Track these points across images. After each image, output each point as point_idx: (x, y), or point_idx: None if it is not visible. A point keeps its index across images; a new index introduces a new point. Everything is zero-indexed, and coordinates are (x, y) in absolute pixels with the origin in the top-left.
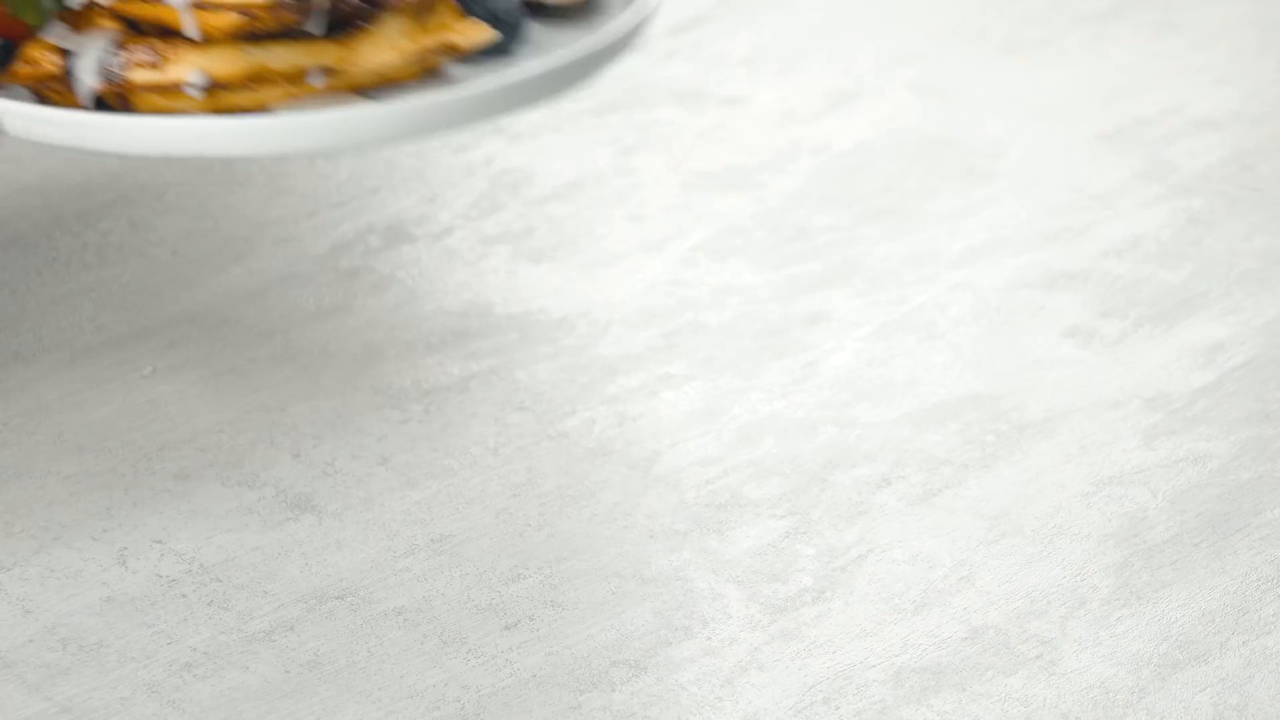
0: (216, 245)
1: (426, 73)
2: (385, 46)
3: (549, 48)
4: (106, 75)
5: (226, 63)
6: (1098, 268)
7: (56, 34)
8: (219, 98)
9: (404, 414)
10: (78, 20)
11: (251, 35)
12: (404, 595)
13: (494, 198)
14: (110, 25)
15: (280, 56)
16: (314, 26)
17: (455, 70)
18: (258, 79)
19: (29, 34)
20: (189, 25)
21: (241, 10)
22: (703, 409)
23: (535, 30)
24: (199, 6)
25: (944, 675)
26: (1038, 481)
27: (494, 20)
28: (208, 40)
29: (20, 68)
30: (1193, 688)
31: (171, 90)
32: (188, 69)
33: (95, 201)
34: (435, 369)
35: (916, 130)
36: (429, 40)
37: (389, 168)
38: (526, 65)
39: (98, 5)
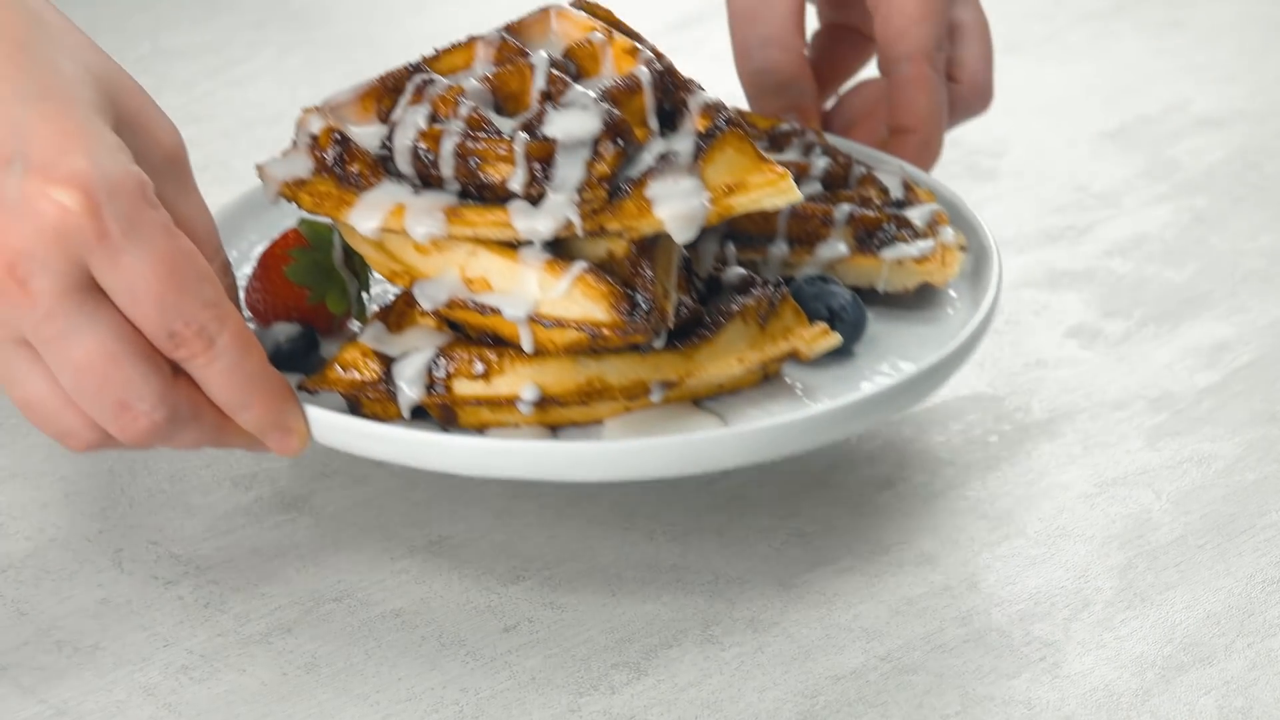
0: None
1: (765, 376)
2: (728, 357)
3: (887, 343)
4: (429, 385)
5: (561, 377)
6: (1101, 267)
7: (374, 336)
8: (549, 412)
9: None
10: (395, 318)
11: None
12: (402, 597)
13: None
14: (429, 324)
15: (619, 370)
16: (657, 341)
17: (792, 368)
18: (593, 394)
19: (329, 319)
20: (525, 340)
21: (585, 327)
22: None
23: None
24: (536, 321)
25: (946, 677)
26: (1041, 483)
27: (832, 316)
28: (541, 351)
29: (334, 373)
30: (1197, 690)
31: (500, 404)
32: (520, 383)
33: None
34: None
35: None
36: (772, 349)
37: None
38: (877, 378)
39: (417, 305)
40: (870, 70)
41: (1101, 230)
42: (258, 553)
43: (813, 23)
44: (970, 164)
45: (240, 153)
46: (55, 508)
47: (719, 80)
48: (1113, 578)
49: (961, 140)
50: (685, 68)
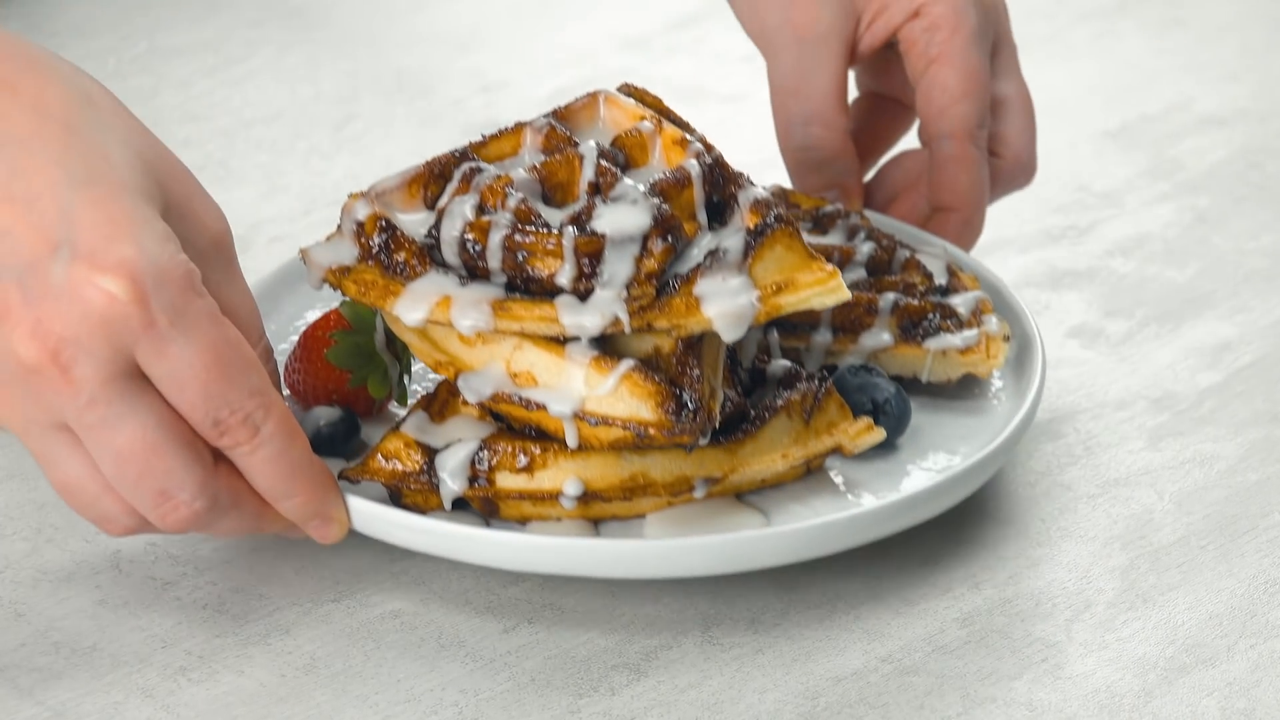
0: None
1: (808, 470)
2: (772, 453)
3: (930, 436)
4: (472, 478)
5: (605, 472)
6: (1104, 266)
7: (417, 426)
8: (592, 506)
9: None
10: (437, 407)
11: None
12: (401, 598)
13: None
14: (472, 414)
15: (663, 466)
16: (702, 439)
17: (834, 459)
18: (637, 489)
19: (370, 401)
20: (570, 436)
21: (631, 426)
22: None
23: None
24: (582, 418)
25: (947, 679)
26: (1043, 483)
27: (876, 410)
28: (585, 447)
29: (376, 463)
30: (1200, 692)
31: (542, 498)
32: (563, 477)
33: None
34: None
35: None
36: (816, 444)
37: (385, 165)
38: (920, 474)
39: (460, 394)
40: (910, 138)
41: (1103, 230)
42: (256, 553)
43: (851, 90)
44: None
45: (238, 153)
46: (52, 508)
47: (722, 79)
48: (1115, 578)
49: None
50: (687, 66)
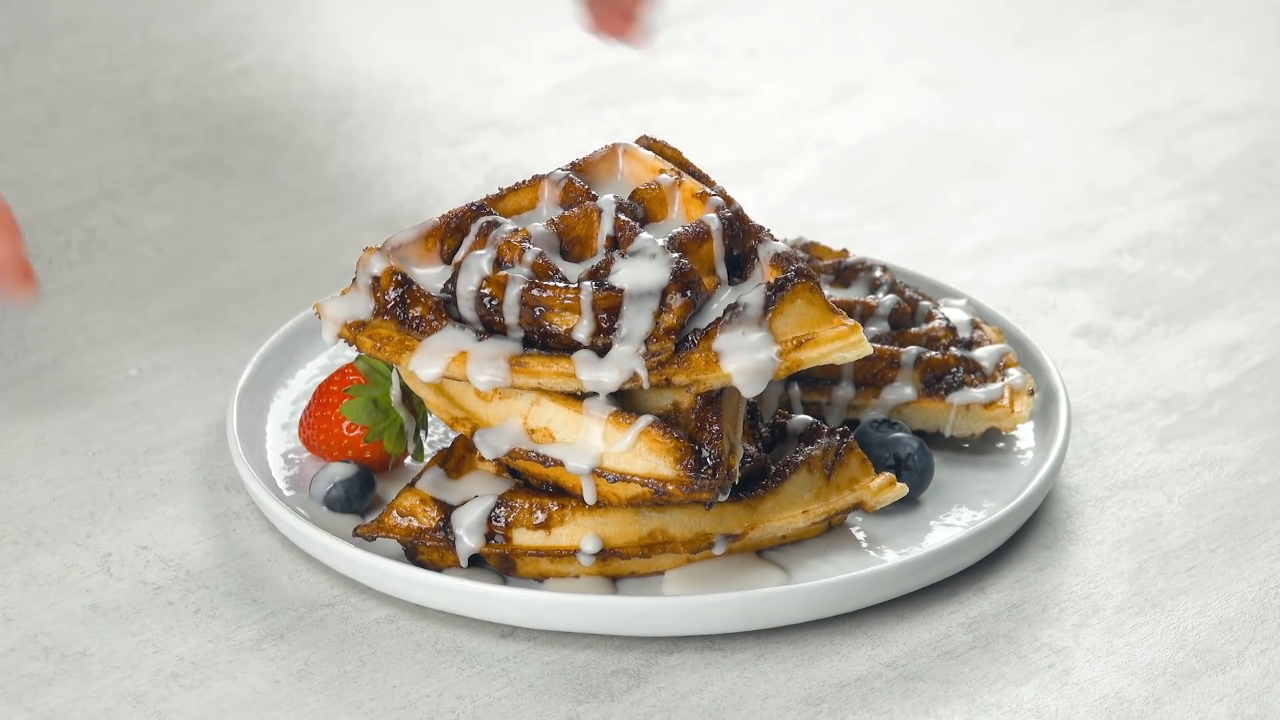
0: (204, 242)
1: (829, 526)
2: (793, 509)
3: (953, 490)
4: (489, 535)
5: (624, 528)
6: (1111, 265)
7: (433, 483)
8: (610, 563)
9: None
10: (453, 463)
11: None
12: (396, 603)
13: (490, 192)
14: (488, 469)
15: (681, 522)
16: (722, 496)
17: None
18: (655, 546)
19: (385, 456)
20: (588, 493)
21: (650, 482)
22: None
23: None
24: (600, 475)
25: (953, 685)
26: (1049, 485)
27: (898, 465)
28: (603, 503)
29: (391, 520)
30: (1209, 698)
31: (560, 555)
32: (581, 534)
33: (79, 196)
34: None
35: (925, 123)
36: (837, 500)
37: (382, 163)
38: (943, 530)
39: (477, 450)
40: None
41: (1111, 228)
42: (249, 557)
43: None
44: (976, 160)
45: (232, 150)
46: (42, 511)
47: (723, 75)
48: (1123, 583)
49: (968, 135)
50: (688, 62)
